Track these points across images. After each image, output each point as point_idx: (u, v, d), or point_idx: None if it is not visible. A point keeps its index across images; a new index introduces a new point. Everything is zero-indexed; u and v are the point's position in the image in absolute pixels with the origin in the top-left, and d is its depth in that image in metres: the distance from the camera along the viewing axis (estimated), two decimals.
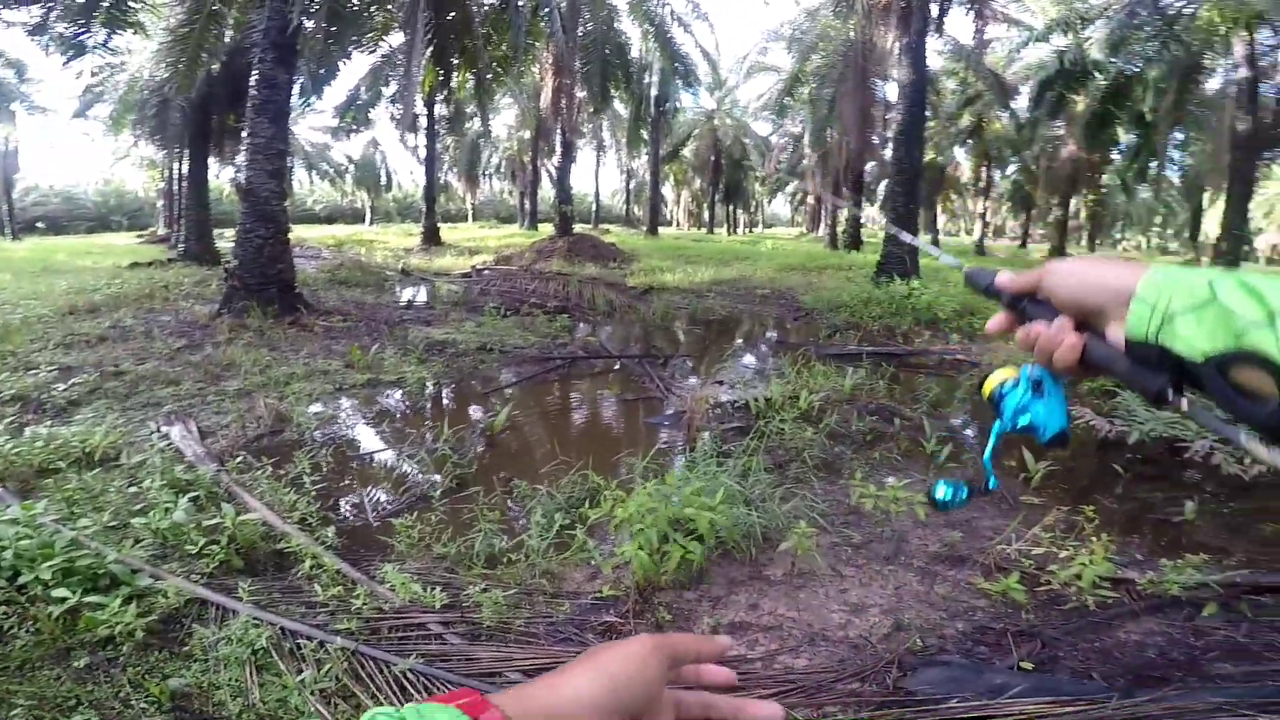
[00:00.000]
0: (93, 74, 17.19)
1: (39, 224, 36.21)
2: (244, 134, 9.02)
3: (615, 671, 0.45)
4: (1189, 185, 27.77)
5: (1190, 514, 3.84)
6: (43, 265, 14.82)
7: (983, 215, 31.81)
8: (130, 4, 9.72)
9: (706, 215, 44.51)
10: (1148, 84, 17.98)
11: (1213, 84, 18.54)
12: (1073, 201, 23.67)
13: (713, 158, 36.88)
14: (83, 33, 9.67)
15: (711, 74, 25.85)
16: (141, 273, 13.04)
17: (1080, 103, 19.51)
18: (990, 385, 0.64)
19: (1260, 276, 0.47)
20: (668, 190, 48.62)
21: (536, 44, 15.75)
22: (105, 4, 9.37)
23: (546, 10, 14.78)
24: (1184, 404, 0.51)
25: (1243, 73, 15.42)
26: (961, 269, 0.71)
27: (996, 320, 0.65)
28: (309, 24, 9.35)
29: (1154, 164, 21.45)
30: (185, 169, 17.46)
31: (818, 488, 4.04)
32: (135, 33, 10.66)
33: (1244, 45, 15.20)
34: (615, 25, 19.89)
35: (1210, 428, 0.51)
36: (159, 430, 4.47)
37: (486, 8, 13.29)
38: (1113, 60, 16.96)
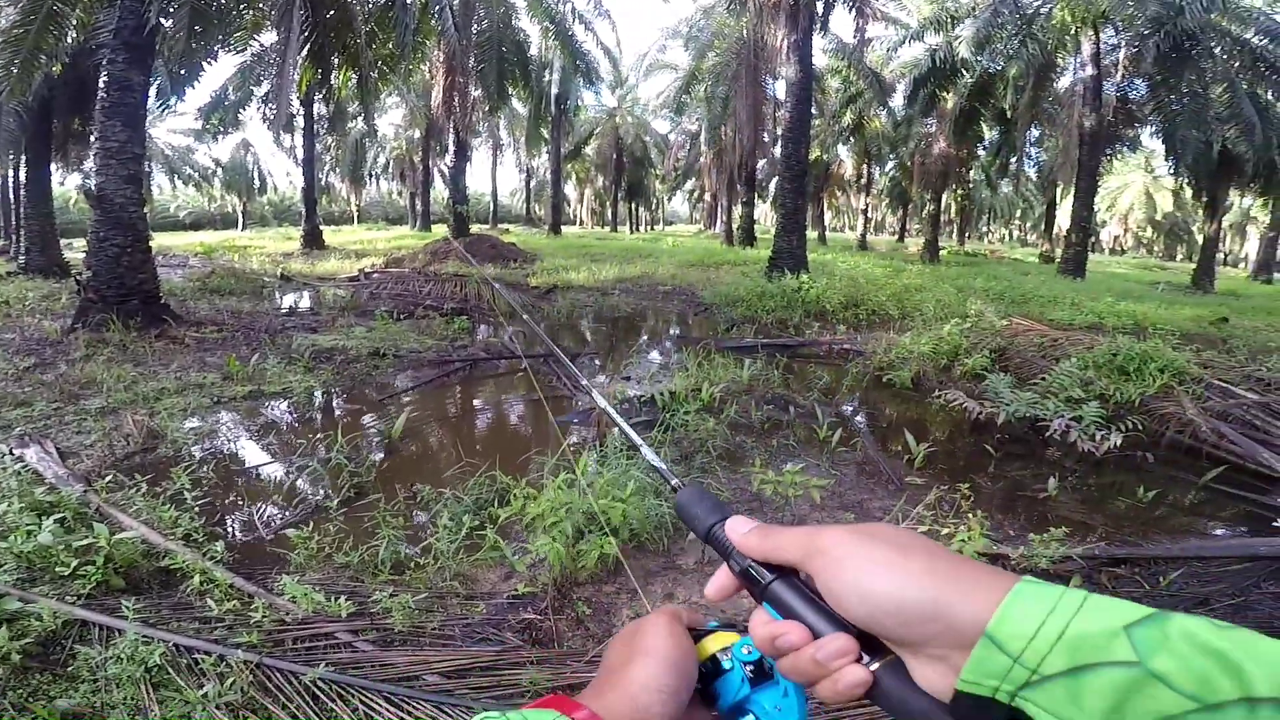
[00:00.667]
0: None
1: None
2: (93, 138, 8.27)
3: (665, 651, 0.48)
4: (1044, 180, 30.61)
5: (1053, 490, 4.23)
6: None
7: (865, 211, 33.77)
8: None
9: (609, 213, 44.76)
10: (1009, 82, 19.49)
11: (1064, 82, 20.49)
12: (944, 196, 25.47)
13: (615, 156, 37.09)
14: None
15: (613, 72, 25.97)
16: None
17: (950, 100, 20.98)
18: (708, 650, 0.50)
19: (1213, 626, 0.32)
20: (570, 189, 48.49)
21: (426, 42, 15.23)
22: None
23: (438, 8, 14.34)
24: None
25: (1089, 71, 17.03)
26: (676, 491, 0.54)
27: (718, 584, 0.48)
28: (167, 23, 8.63)
29: (1014, 159, 23.48)
30: (23, 176, 15.69)
31: (722, 476, 4.19)
32: None
33: (1090, 44, 16.84)
34: (513, 23, 19.59)
35: None
36: (11, 453, 4.03)
37: (370, 5, 12.72)
38: (978, 59, 18.27)
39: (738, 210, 26.06)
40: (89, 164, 8.40)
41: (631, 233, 41.36)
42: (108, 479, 3.69)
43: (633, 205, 46.36)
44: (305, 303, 11.43)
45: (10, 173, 18.72)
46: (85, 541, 2.74)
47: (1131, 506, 4.16)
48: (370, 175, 42.88)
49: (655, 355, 8.35)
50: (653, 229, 52.00)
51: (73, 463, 4.09)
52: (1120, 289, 15.48)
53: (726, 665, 0.49)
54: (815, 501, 3.82)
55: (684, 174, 35.93)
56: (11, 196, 19.32)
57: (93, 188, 8.23)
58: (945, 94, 20.38)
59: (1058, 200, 30.20)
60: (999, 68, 18.98)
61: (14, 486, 3.34)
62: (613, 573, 3.04)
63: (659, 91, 31.84)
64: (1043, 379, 5.95)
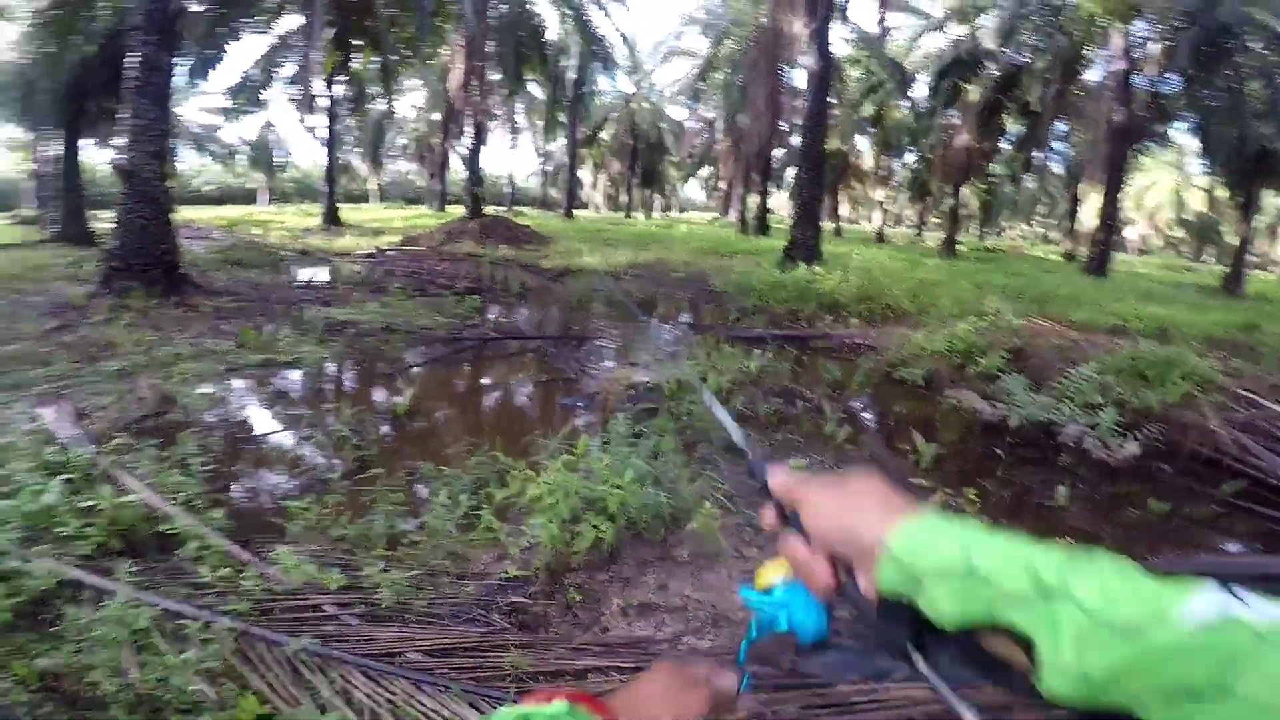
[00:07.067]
0: None
1: None
2: (123, 116, 8.49)
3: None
4: (1070, 176, 29.98)
5: (1062, 499, 4.13)
6: None
7: (883, 204, 33.33)
8: None
9: (624, 199, 44.52)
10: (1035, 74, 18.97)
11: (1092, 75, 19.94)
12: (964, 190, 25.03)
13: (630, 142, 36.83)
14: None
15: (629, 57, 25.77)
16: (9, 254, 11.88)
17: (974, 92, 20.54)
18: (763, 579, 0.61)
19: (1027, 547, 0.44)
20: (585, 174, 48.27)
21: (446, 25, 15.20)
22: None
23: None
24: (921, 665, 0.47)
25: (1119, 65, 16.47)
26: (748, 457, 0.65)
27: (766, 515, 0.60)
28: (195, 7, 8.79)
29: (1039, 154, 22.95)
30: (57, 151, 16.07)
31: (724, 469, 4.15)
32: None
33: (1121, 37, 16.34)
34: (529, 7, 19.47)
35: (942, 697, 0.47)
36: (29, 412, 4.11)
37: None
38: (1003, 50, 17.81)
39: (753, 199, 25.82)
40: (119, 140, 8.66)
41: (646, 219, 41.15)
42: (118, 441, 3.74)
43: (648, 191, 46.09)
44: (322, 277, 11.52)
45: (45, 147, 19.21)
46: (89, 503, 2.78)
47: (1144, 519, 4.07)
48: (389, 156, 42.97)
49: (664, 342, 8.33)
50: (667, 215, 51.70)
51: (87, 424, 4.16)
52: (1145, 290, 15.12)
53: (778, 591, 0.59)
54: None
55: (699, 161, 35.61)
56: (45, 170, 19.78)
57: (123, 163, 8.59)
58: (968, 85, 19.94)
59: (1081, 197, 29.61)
60: (1026, 60, 18.51)
61: (26, 446, 3.40)
62: (608, 560, 3.04)
63: (675, 78, 31.72)
64: (1060, 382, 5.79)
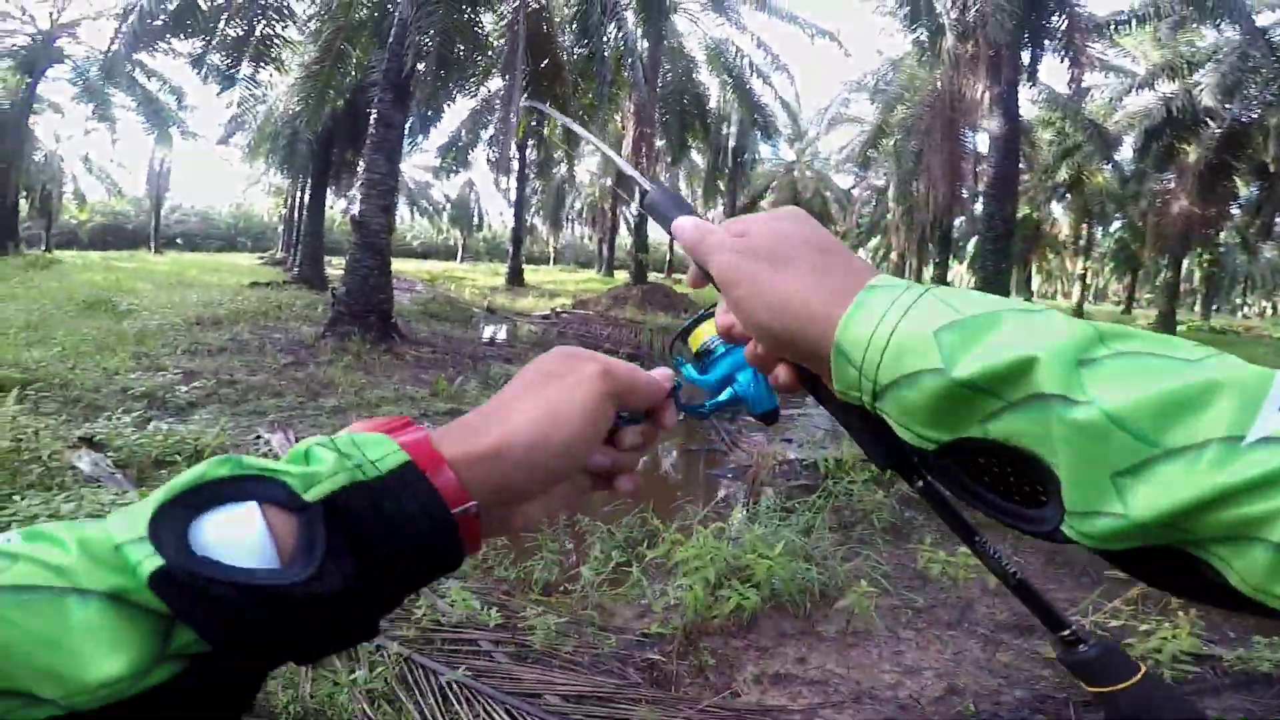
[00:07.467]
0: (238, 105, 18.96)
1: (178, 240, 40.02)
2: (360, 169, 9.76)
3: (566, 421, 0.39)
4: None
5: None
6: (178, 279, 16.44)
7: (1082, 277, 30.27)
8: (274, 41, 10.86)
9: None
10: (1269, 131, 16.75)
11: None
12: (1185, 262, 22.04)
13: None
14: (234, 66, 10.86)
15: (791, 125, 25.93)
16: (259, 292, 14.29)
17: (1192, 153, 18.35)
18: (700, 338, 0.54)
19: (1020, 314, 0.32)
20: None
21: (620, 93, 16.39)
22: (253, 40, 10.51)
23: (629, 60, 15.45)
24: (923, 484, 0.38)
25: None
26: (646, 191, 0.55)
27: (692, 274, 0.48)
28: (420, 67, 10.09)
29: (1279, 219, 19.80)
30: (305, 198, 19.01)
31: (883, 550, 3.92)
32: (276, 69, 11.85)
33: None
34: (694, 76, 20.40)
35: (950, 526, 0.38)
36: (262, 436, 4.88)
37: (575, 56, 13.98)
38: (1227, 106, 15.91)
39: (928, 271, 24.62)
40: (354, 192, 9.98)
41: None
42: None
43: None
44: (503, 335, 12.70)
45: (297, 195, 22.85)
46: None
47: None
48: (567, 219, 46.40)
49: (821, 419, 8.09)
50: None
51: None
52: None
53: (718, 348, 0.52)
54: (989, 586, 3.49)
55: (868, 231, 34.64)
56: (295, 216, 23.50)
57: (356, 214, 9.65)
58: (1185, 146, 17.86)
59: None
60: (1254, 116, 16.31)
61: None
62: (746, 628, 3.00)
63: (841, 145, 31.23)
64: None
